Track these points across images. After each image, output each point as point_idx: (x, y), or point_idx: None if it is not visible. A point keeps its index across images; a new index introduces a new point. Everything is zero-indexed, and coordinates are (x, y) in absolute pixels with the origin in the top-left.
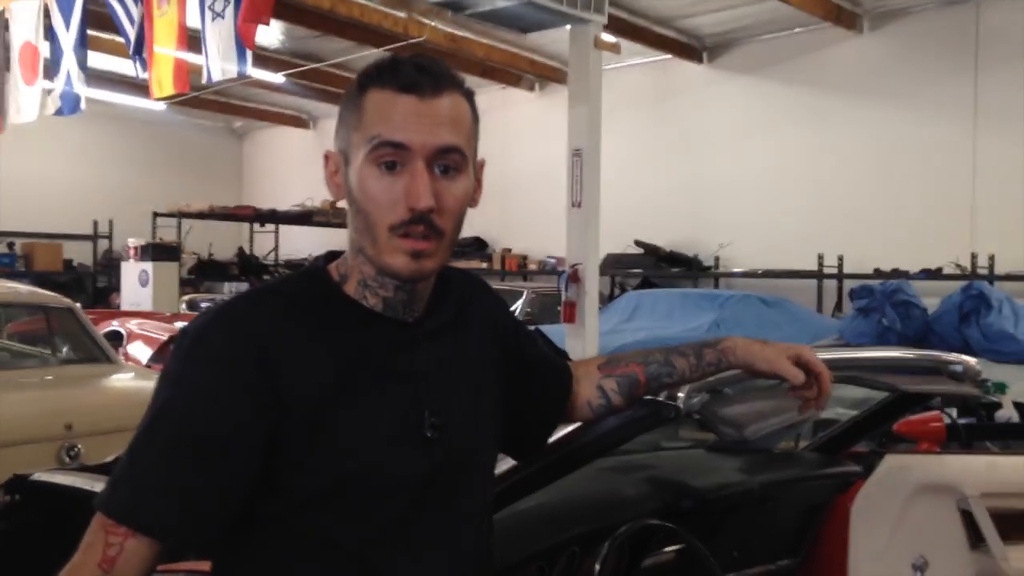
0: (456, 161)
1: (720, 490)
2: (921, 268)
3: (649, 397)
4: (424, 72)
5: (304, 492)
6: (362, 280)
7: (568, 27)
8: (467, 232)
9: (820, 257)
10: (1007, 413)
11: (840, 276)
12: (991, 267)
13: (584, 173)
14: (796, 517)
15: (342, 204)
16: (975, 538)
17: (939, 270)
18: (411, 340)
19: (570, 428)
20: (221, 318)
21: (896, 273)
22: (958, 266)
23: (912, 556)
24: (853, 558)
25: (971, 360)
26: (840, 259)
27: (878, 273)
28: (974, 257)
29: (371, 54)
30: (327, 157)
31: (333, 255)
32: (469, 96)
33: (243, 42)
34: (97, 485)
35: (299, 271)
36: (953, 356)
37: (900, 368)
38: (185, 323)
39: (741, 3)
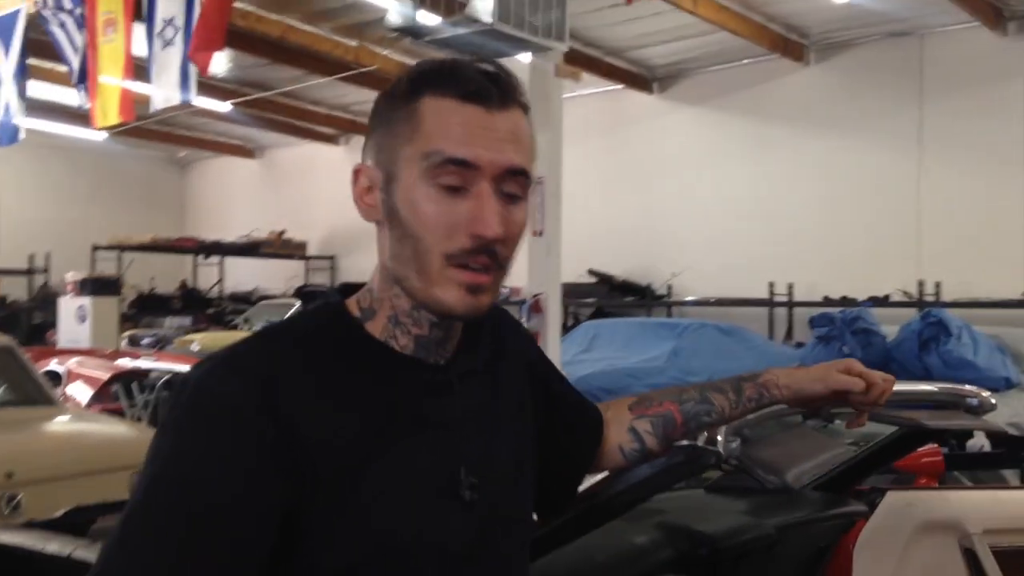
0: (521, 185)
1: (735, 536)
2: (869, 295)
3: (686, 442)
4: (491, 79)
5: (326, 571)
6: (393, 316)
7: (528, 55)
8: None
9: (771, 285)
10: (979, 442)
11: (790, 304)
12: (937, 294)
13: (546, 201)
14: (803, 560)
15: (367, 224)
16: None
17: (887, 297)
18: (444, 385)
19: (598, 477)
20: (228, 365)
21: (845, 301)
22: (905, 293)
23: None
24: None
25: (985, 393)
26: (790, 287)
27: (827, 301)
28: (921, 284)
29: (322, 83)
30: (358, 172)
31: (348, 288)
32: (527, 111)
33: (200, 70)
34: (49, 546)
35: (312, 307)
36: (969, 389)
37: (919, 403)
38: (130, 360)
39: (691, 35)
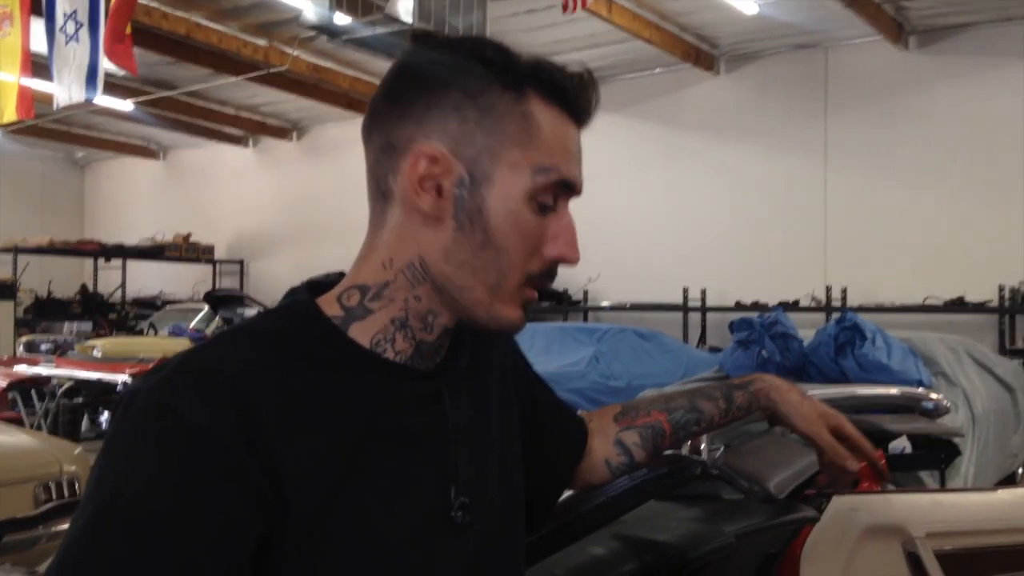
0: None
1: (698, 545)
2: (779, 300)
3: (670, 452)
4: (592, 94)
5: None
6: (401, 319)
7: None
8: (327, 268)
9: (685, 291)
10: (900, 444)
11: (704, 309)
12: (844, 299)
13: None
14: (754, 567)
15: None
16: None
17: (796, 302)
18: (434, 396)
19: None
20: (189, 376)
21: (756, 306)
22: (814, 299)
23: None
24: None
25: (939, 396)
26: (703, 292)
27: (739, 306)
28: (828, 290)
29: (229, 83)
30: (427, 155)
31: (315, 286)
32: None
33: (129, 69)
34: None
35: (278, 307)
36: (922, 392)
37: (879, 406)
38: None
39: (604, 43)
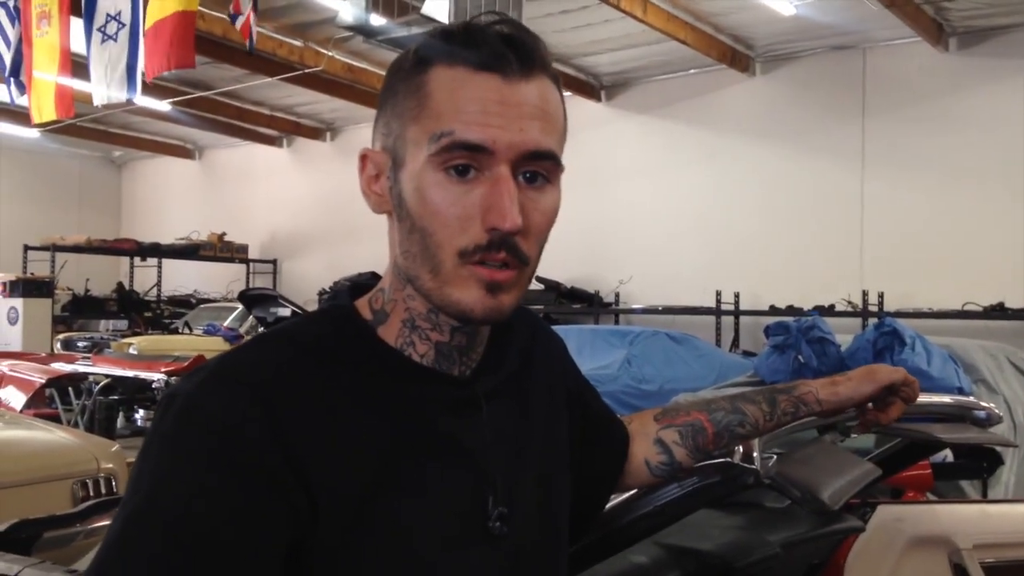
0: (548, 168)
1: (744, 555)
2: (814, 305)
3: (722, 460)
4: (511, 45)
5: None
6: (409, 320)
7: None
8: (359, 268)
9: (718, 294)
10: (943, 453)
11: (737, 313)
12: (880, 304)
13: None
14: None
15: (379, 217)
16: None
17: (832, 307)
18: (470, 403)
19: (622, 497)
20: (225, 378)
21: (791, 310)
22: (849, 303)
23: None
24: None
25: (991, 405)
26: (736, 296)
27: (773, 310)
28: (865, 294)
29: (265, 83)
30: (364, 157)
31: (359, 288)
32: (557, 82)
33: (146, 73)
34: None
35: (319, 310)
36: (974, 400)
37: (929, 415)
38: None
39: (638, 43)
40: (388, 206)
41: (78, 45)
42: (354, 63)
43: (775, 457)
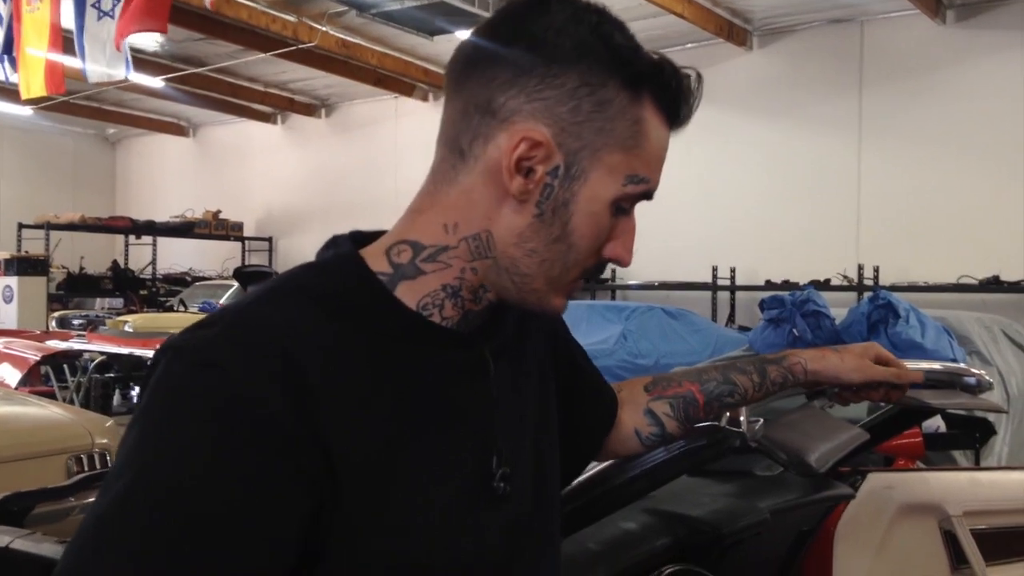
0: None
1: (733, 521)
2: (810, 279)
3: (708, 423)
4: (696, 104)
5: None
6: (453, 287)
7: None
8: None
9: (714, 269)
10: (935, 423)
11: (733, 288)
12: (876, 278)
13: None
14: (786, 544)
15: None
16: (957, 559)
17: (827, 281)
18: (480, 365)
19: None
20: (235, 330)
21: (787, 285)
22: (845, 277)
23: None
24: None
25: (982, 372)
26: (732, 271)
27: (769, 284)
28: (860, 269)
29: (258, 59)
30: (534, 140)
31: (359, 237)
32: None
33: (155, 27)
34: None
35: (325, 261)
36: (964, 367)
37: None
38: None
39: (634, 17)
40: (528, 197)
41: (68, 21)
42: (348, 38)
43: (761, 421)
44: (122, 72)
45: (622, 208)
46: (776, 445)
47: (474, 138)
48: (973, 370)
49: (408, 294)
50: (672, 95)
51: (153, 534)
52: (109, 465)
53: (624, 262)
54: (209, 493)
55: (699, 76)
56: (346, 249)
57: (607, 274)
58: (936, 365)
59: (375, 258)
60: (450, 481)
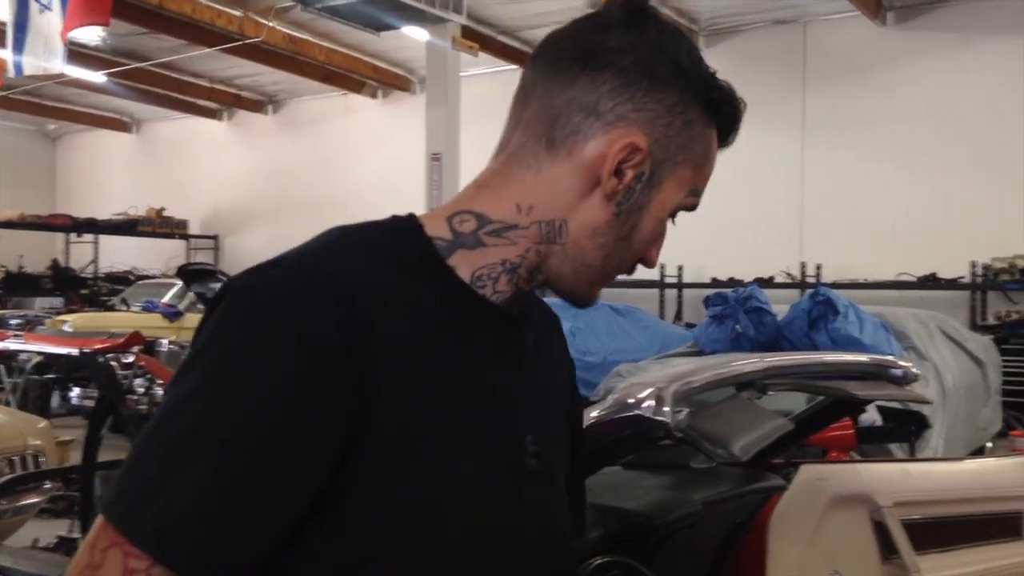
0: None
1: (666, 512)
2: (755, 277)
3: (633, 414)
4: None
5: (371, 539)
6: (513, 264)
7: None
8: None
9: (662, 267)
10: (870, 417)
11: (680, 285)
12: (818, 275)
13: (444, 178)
14: (720, 536)
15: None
16: (888, 549)
17: (772, 279)
18: (518, 341)
19: None
20: (305, 277)
21: (732, 282)
22: (789, 275)
23: (827, 572)
24: None
25: (909, 364)
26: (680, 269)
27: (715, 282)
28: (803, 266)
29: (203, 54)
30: (635, 147)
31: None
32: None
33: (97, 19)
34: None
35: (382, 223)
36: (891, 359)
37: (847, 374)
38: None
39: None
40: (613, 196)
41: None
42: (296, 34)
43: (686, 411)
44: (59, 65)
45: (672, 217)
46: (701, 435)
47: (572, 133)
48: (900, 362)
49: (464, 262)
50: (731, 123)
51: (225, 454)
52: (40, 466)
53: (652, 265)
54: (269, 411)
55: (746, 105)
56: (404, 216)
57: None
58: (863, 357)
59: (435, 223)
60: (483, 451)
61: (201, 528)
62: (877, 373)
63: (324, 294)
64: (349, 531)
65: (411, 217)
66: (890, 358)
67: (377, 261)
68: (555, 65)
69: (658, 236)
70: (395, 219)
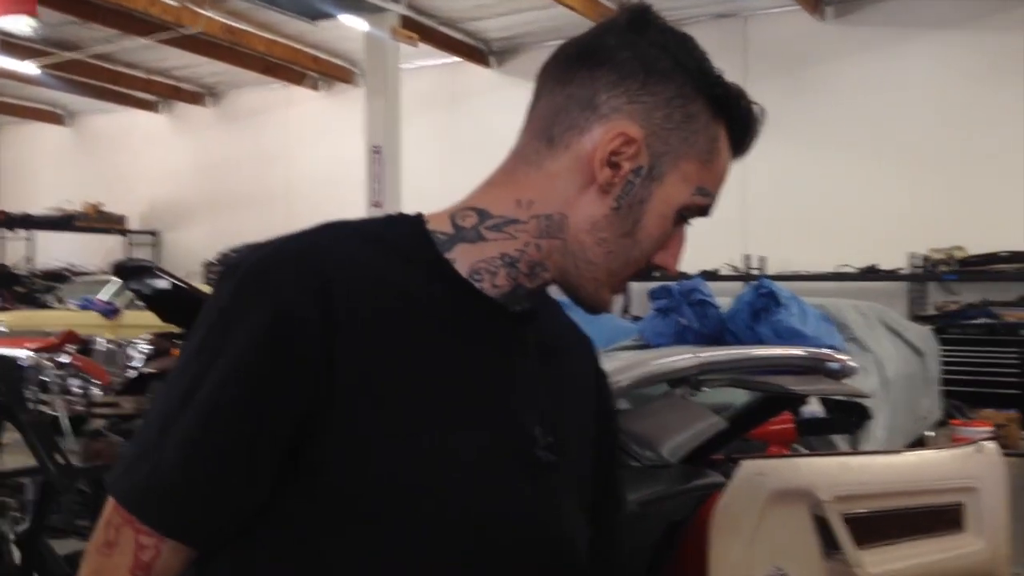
0: None
1: None
2: (700, 270)
3: None
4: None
5: (336, 513)
6: (512, 258)
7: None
8: (245, 239)
9: None
10: (812, 408)
11: None
12: (762, 268)
13: (385, 171)
14: (658, 535)
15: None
16: (830, 544)
17: (716, 271)
18: (513, 336)
19: None
20: (289, 255)
21: (679, 275)
22: (733, 267)
23: (768, 568)
24: (714, 574)
25: (846, 357)
26: None
27: (662, 275)
28: (747, 259)
29: (139, 45)
30: (629, 137)
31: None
32: None
33: (24, 8)
34: None
35: (387, 217)
36: (827, 353)
37: (782, 368)
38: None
39: (526, 8)
40: (611, 190)
41: None
42: (234, 24)
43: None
44: None
45: (683, 217)
46: (629, 436)
47: (569, 128)
48: (837, 355)
49: (464, 256)
50: (743, 124)
51: (203, 418)
52: None
53: (671, 270)
54: (238, 381)
55: (763, 111)
56: (412, 213)
57: None
58: (798, 351)
59: (439, 219)
60: (468, 436)
61: (188, 490)
62: (814, 367)
63: (306, 269)
64: (320, 503)
65: (418, 214)
66: (827, 352)
67: (372, 249)
68: (557, 67)
69: (668, 236)
70: (401, 215)
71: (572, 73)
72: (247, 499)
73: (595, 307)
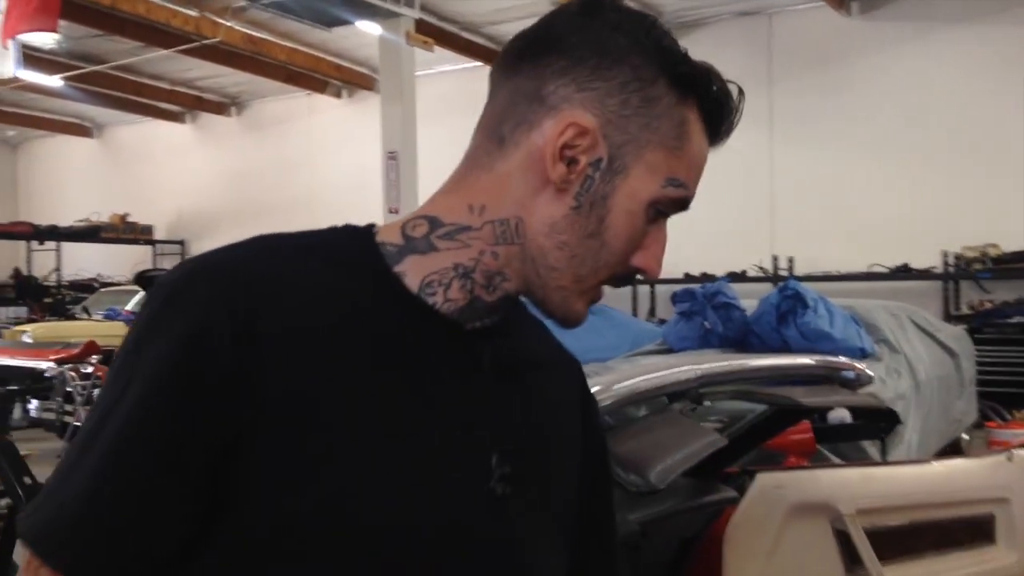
0: None
1: None
2: (727, 271)
3: None
4: (736, 121)
5: (257, 549)
6: (465, 269)
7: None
8: None
9: None
10: (839, 414)
11: (652, 281)
12: (791, 269)
13: (401, 177)
14: (668, 555)
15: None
16: (851, 559)
17: (744, 273)
18: (466, 353)
19: None
20: (207, 269)
21: (705, 277)
22: (761, 268)
23: None
24: None
25: (862, 365)
26: None
27: (688, 277)
28: (775, 259)
29: (161, 56)
30: (581, 127)
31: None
32: None
33: (46, 25)
34: None
35: (333, 228)
36: (842, 361)
37: (792, 378)
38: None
39: (544, 11)
40: (568, 187)
41: None
42: (255, 34)
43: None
44: (11, 70)
45: (660, 212)
46: (615, 460)
47: (517, 125)
48: (853, 364)
49: (415, 268)
50: (716, 104)
51: (111, 447)
52: None
53: (652, 273)
54: (147, 405)
55: (741, 91)
56: (362, 224)
57: None
58: (809, 360)
59: (389, 231)
60: (407, 464)
61: (90, 528)
62: (827, 377)
63: (222, 286)
64: (238, 541)
65: (369, 225)
66: (842, 360)
67: (308, 262)
68: (506, 60)
69: (642, 234)
70: (348, 225)
71: (519, 65)
72: (160, 537)
73: (567, 319)
